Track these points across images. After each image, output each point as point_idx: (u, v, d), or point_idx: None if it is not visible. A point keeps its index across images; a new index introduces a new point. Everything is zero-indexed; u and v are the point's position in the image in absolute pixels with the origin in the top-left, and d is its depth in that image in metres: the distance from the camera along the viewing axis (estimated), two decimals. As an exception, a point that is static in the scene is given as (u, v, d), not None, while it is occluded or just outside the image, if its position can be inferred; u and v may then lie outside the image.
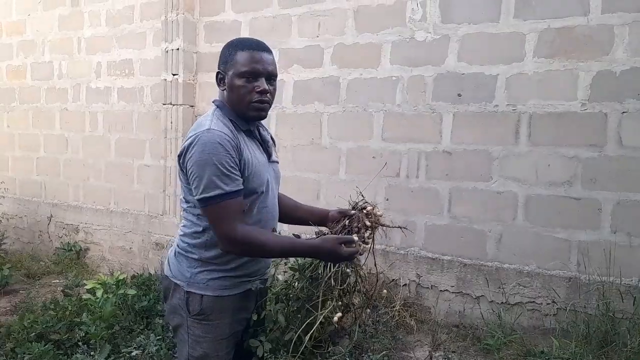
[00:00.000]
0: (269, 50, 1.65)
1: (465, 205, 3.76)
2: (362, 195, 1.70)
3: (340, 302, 1.60)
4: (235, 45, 1.63)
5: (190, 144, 1.55)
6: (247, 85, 1.59)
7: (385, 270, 3.96)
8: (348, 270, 1.61)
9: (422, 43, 3.83)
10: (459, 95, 3.72)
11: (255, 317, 1.72)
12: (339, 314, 1.57)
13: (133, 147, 5.22)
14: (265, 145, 1.75)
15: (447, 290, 3.80)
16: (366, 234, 1.64)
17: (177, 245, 1.72)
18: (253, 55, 1.60)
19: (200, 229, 1.64)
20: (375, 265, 1.76)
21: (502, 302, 3.61)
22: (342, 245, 1.56)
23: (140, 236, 5.14)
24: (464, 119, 3.72)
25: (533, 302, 3.53)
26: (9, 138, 6.19)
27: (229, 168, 1.51)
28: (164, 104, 4.83)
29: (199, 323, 1.64)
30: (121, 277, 3.97)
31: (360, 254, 1.63)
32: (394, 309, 3.72)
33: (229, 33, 4.63)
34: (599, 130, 3.34)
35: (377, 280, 1.86)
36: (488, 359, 3.26)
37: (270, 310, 1.67)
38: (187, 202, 1.67)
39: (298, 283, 1.64)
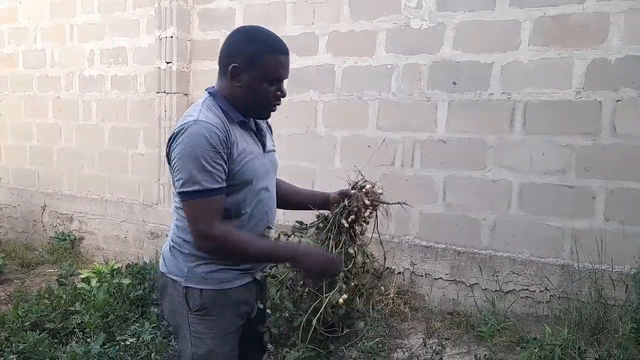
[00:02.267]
0: (289, 52, 1.61)
1: (460, 193, 3.77)
2: (362, 174, 1.66)
3: (345, 284, 1.57)
4: (263, 46, 1.55)
5: (176, 135, 1.51)
6: (270, 90, 1.57)
7: (379, 258, 3.97)
8: (351, 250, 1.58)
9: (417, 31, 3.81)
10: (454, 83, 3.72)
11: (260, 306, 1.68)
12: (345, 296, 1.53)
13: (127, 135, 5.19)
14: (260, 135, 1.70)
15: (441, 278, 3.83)
16: (366, 213, 1.61)
17: (172, 240, 1.67)
18: (282, 60, 1.56)
19: None
20: (381, 244, 1.72)
21: (495, 290, 3.63)
22: (326, 262, 1.50)
23: (135, 225, 5.13)
24: (459, 108, 3.72)
25: (526, 289, 3.56)
26: (2, 127, 6.13)
27: (212, 164, 1.46)
28: (157, 93, 4.79)
29: (201, 319, 1.59)
30: (116, 267, 3.97)
31: (362, 234, 1.62)
32: (388, 296, 3.74)
33: (223, 20, 4.59)
34: (593, 118, 3.35)
35: (385, 259, 1.84)
36: (481, 346, 3.29)
37: (275, 297, 1.63)
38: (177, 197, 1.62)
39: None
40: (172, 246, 1.65)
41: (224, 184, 1.51)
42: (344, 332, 1.63)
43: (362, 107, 4.05)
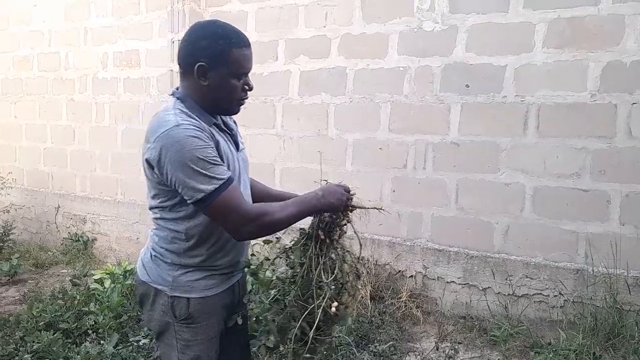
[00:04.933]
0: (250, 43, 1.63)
1: (473, 196, 3.74)
2: (326, 180, 1.65)
3: (333, 291, 1.58)
4: (227, 41, 1.54)
5: (162, 147, 1.44)
6: (238, 85, 1.57)
7: (391, 261, 3.97)
8: (333, 255, 1.60)
9: (429, 33, 3.80)
10: (467, 86, 3.70)
11: (240, 322, 1.69)
12: (335, 304, 1.55)
13: (140, 137, 5.16)
14: (232, 135, 1.70)
15: (453, 281, 3.80)
16: (343, 222, 1.61)
17: (153, 249, 1.64)
18: (246, 54, 1.58)
19: (182, 235, 1.56)
20: (355, 233, 1.70)
21: (508, 294, 3.61)
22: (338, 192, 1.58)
23: (147, 227, 5.15)
24: (472, 110, 3.70)
25: (540, 294, 3.52)
26: (17, 129, 6.21)
27: (214, 158, 1.45)
28: (170, 95, 4.81)
29: (188, 327, 1.59)
30: (129, 268, 4.00)
31: (341, 237, 1.64)
32: (401, 300, 3.73)
33: (235, 23, 4.50)
34: (608, 121, 3.31)
35: (361, 248, 1.81)
36: (494, 351, 3.26)
37: (264, 316, 1.63)
38: (158, 207, 1.58)
39: (292, 287, 1.61)
40: (155, 255, 1.63)
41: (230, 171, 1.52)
42: (331, 337, 1.67)
43: (374, 110, 4.04)
